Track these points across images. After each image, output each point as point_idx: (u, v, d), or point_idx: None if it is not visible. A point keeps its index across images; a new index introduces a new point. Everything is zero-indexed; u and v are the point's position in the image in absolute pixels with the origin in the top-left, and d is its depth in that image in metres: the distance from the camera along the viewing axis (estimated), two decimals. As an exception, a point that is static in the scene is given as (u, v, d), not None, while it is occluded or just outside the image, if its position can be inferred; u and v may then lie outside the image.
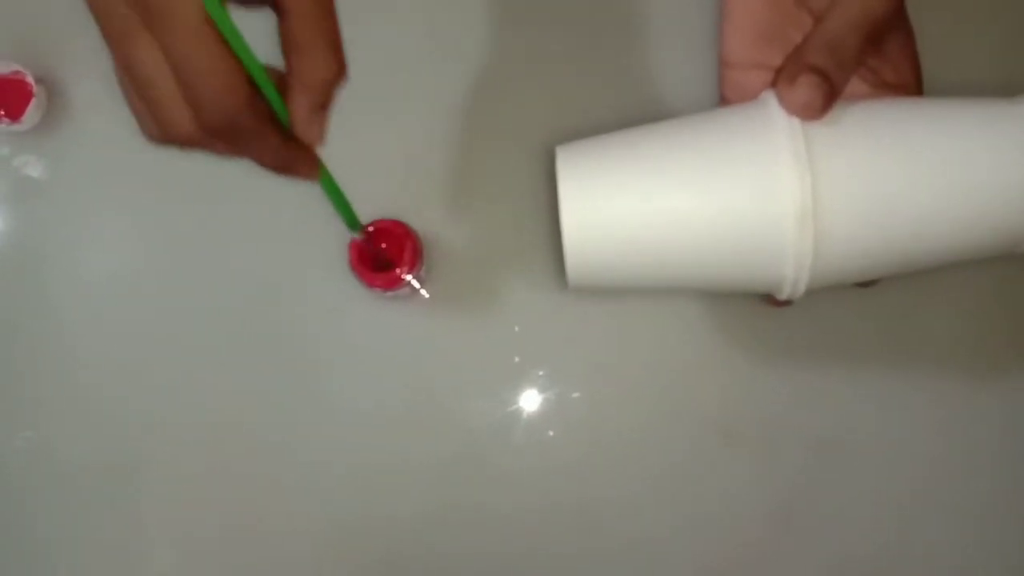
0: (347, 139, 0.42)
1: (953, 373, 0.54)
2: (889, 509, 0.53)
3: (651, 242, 0.43)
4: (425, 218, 0.53)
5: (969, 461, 0.54)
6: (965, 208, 0.42)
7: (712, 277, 0.45)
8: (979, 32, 0.55)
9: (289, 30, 0.36)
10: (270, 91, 0.36)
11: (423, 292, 0.54)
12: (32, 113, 0.54)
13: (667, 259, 0.44)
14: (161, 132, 0.36)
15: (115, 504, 0.54)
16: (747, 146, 0.42)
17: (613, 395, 0.54)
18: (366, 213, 0.45)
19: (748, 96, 0.45)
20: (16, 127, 0.54)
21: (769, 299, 0.49)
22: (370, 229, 0.50)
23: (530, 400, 0.53)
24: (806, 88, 0.42)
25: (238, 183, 0.52)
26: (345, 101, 0.38)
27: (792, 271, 0.42)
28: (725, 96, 0.49)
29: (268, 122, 0.36)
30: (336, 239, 0.52)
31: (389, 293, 0.51)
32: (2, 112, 0.54)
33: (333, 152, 0.39)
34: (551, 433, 0.53)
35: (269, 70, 0.35)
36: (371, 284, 0.50)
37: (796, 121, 0.42)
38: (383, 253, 0.50)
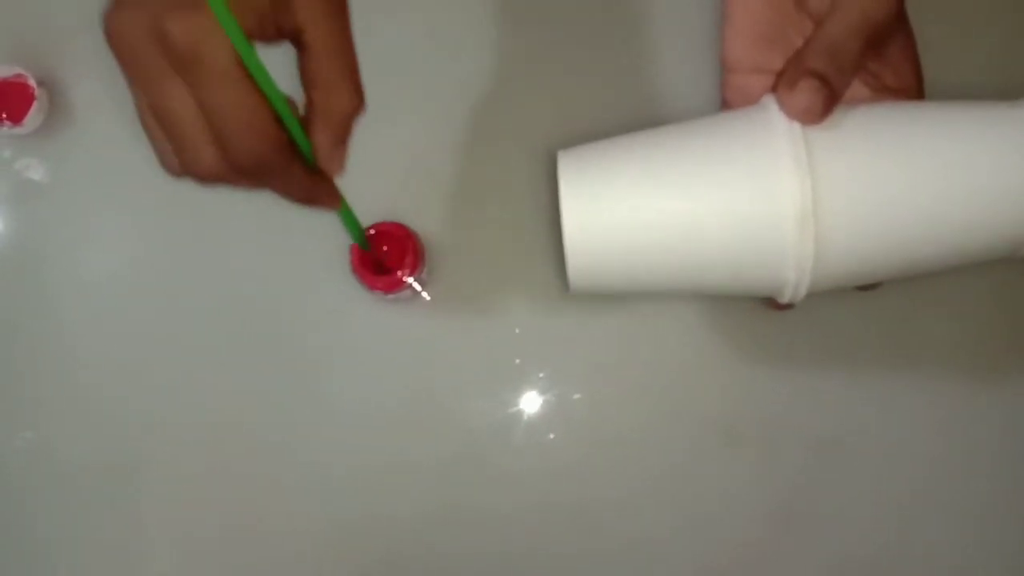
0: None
1: (953, 374, 0.54)
2: (889, 509, 0.54)
3: (652, 246, 0.43)
4: (426, 220, 0.53)
5: (969, 461, 0.54)
6: (966, 212, 0.42)
7: (713, 281, 0.45)
8: (979, 35, 0.56)
9: (311, 66, 0.37)
10: (295, 127, 0.37)
11: (424, 294, 0.54)
12: (34, 116, 0.54)
13: (668, 263, 0.44)
14: (186, 169, 0.37)
15: (115, 504, 0.54)
16: (748, 150, 0.42)
17: (614, 396, 0.54)
18: (367, 215, 0.46)
19: (749, 99, 0.45)
20: (18, 130, 0.54)
21: (770, 302, 0.49)
22: (371, 231, 0.50)
23: (531, 401, 0.54)
24: (806, 93, 0.42)
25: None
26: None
27: (793, 275, 0.42)
28: (726, 99, 0.50)
29: (294, 158, 0.37)
30: (337, 241, 0.52)
31: (390, 295, 0.51)
32: (4, 115, 0.54)
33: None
34: (551, 435, 0.53)
35: (287, 102, 0.36)
36: (372, 286, 0.50)
37: (796, 125, 0.42)
38: (384, 255, 0.51)
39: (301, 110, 0.38)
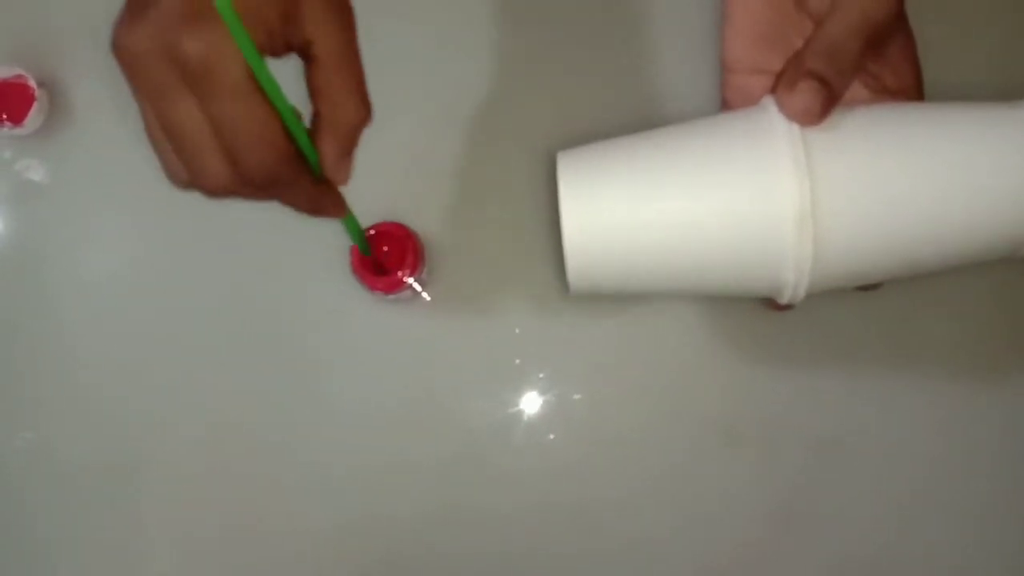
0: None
1: (953, 375, 0.54)
2: (889, 509, 0.54)
3: (651, 247, 0.43)
4: (426, 220, 0.53)
5: (969, 461, 0.54)
6: (965, 212, 0.43)
7: (713, 282, 0.45)
8: (979, 35, 0.56)
9: (319, 78, 0.37)
10: (303, 139, 0.37)
11: (424, 294, 0.54)
12: (34, 117, 0.54)
13: (667, 264, 0.44)
14: (195, 182, 0.37)
15: (115, 504, 0.54)
16: (747, 152, 0.43)
17: (614, 396, 0.54)
18: (368, 216, 0.46)
19: (749, 100, 0.46)
20: (18, 131, 0.54)
21: (770, 303, 0.49)
22: (371, 232, 0.51)
23: (531, 402, 0.54)
24: (805, 94, 0.42)
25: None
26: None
27: (792, 276, 0.42)
28: (726, 100, 0.50)
29: (302, 170, 0.38)
30: (337, 241, 0.52)
31: (390, 295, 0.52)
32: (4, 116, 0.54)
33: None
34: (551, 435, 0.54)
35: (295, 113, 0.37)
36: (372, 287, 0.50)
37: (796, 126, 0.42)
38: (384, 256, 0.51)
39: (306, 121, 0.38)
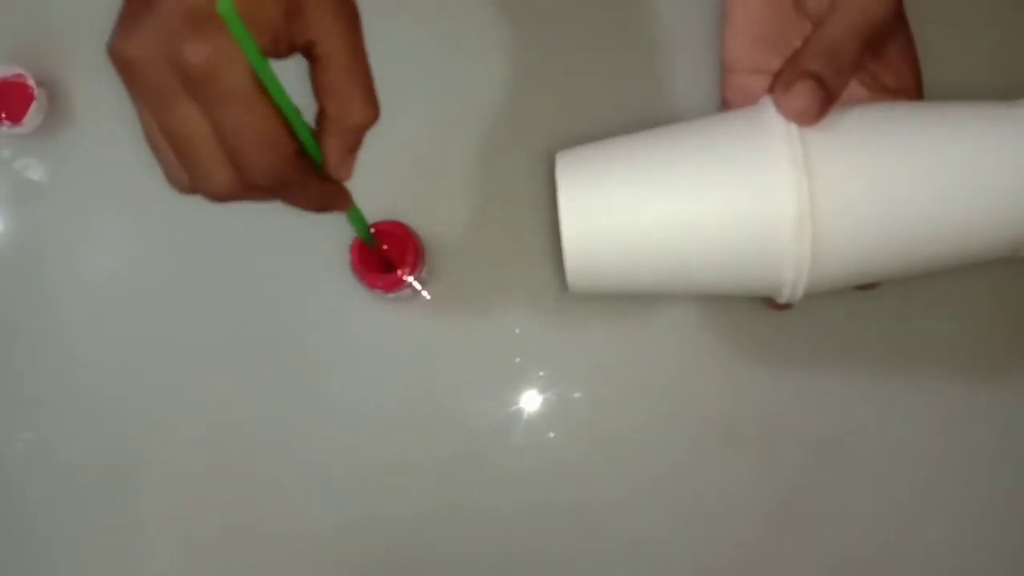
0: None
1: (953, 374, 0.54)
2: (889, 509, 0.54)
3: (650, 247, 0.43)
4: (426, 220, 0.53)
5: (969, 461, 0.54)
6: (964, 211, 0.43)
7: (711, 281, 0.45)
8: (979, 35, 0.56)
9: (325, 77, 0.37)
10: (307, 138, 0.37)
11: (424, 293, 0.54)
12: (33, 116, 0.54)
13: (666, 264, 0.44)
14: (198, 188, 0.37)
15: (115, 504, 0.54)
16: (745, 151, 0.43)
17: (614, 396, 0.54)
18: (368, 214, 0.46)
19: (749, 100, 0.46)
20: (17, 130, 0.54)
21: (769, 302, 0.49)
22: (372, 231, 0.50)
23: (531, 400, 0.54)
24: (802, 94, 0.42)
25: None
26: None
27: (791, 275, 0.43)
28: (726, 99, 0.50)
29: (308, 172, 0.38)
30: (337, 240, 0.52)
31: (390, 294, 0.52)
32: (3, 115, 0.54)
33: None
34: (551, 433, 0.54)
35: (298, 113, 0.36)
36: (372, 285, 0.50)
37: (794, 126, 0.42)
38: (384, 254, 0.51)
39: (308, 119, 0.38)
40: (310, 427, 0.54)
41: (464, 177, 0.55)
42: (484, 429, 0.54)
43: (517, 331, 0.54)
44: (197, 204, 0.50)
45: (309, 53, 0.37)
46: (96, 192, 0.56)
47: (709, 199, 0.43)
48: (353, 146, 0.39)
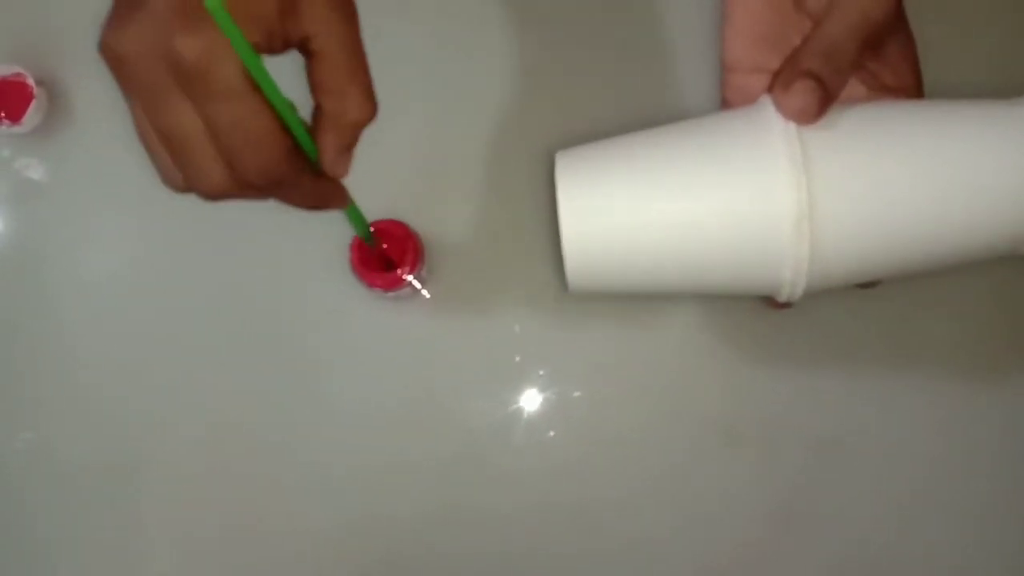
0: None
1: (953, 374, 0.54)
2: (889, 509, 0.54)
3: (649, 247, 0.43)
4: (426, 219, 0.53)
5: (969, 461, 0.54)
6: (963, 210, 0.43)
7: (711, 281, 0.45)
8: (979, 35, 0.56)
9: (321, 73, 0.36)
10: (302, 135, 0.36)
11: (424, 292, 0.54)
12: (33, 115, 0.54)
13: (666, 264, 0.44)
14: (192, 187, 0.36)
15: (115, 504, 0.54)
16: (744, 151, 0.43)
17: (614, 395, 0.54)
18: (367, 213, 0.46)
19: (749, 99, 0.46)
20: (17, 129, 0.54)
21: (769, 301, 0.49)
22: (371, 230, 0.50)
23: (530, 399, 0.54)
24: (801, 94, 0.42)
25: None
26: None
27: (790, 274, 0.43)
28: (726, 99, 0.50)
29: (303, 169, 0.37)
30: (337, 239, 0.52)
31: (390, 293, 0.52)
32: (3, 114, 0.54)
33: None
34: (552, 433, 0.54)
35: (292, 108, 0.36)
36: (372, 284, 0.50)
37: (792, 125, 0.43)
38: (384, 253, 0.51)
39: (303, 115, 0.37)
40: (310, 427, 0.54)
41: (464, 176, 0.55)
42: (484, 428, 0.54)
43: (517, 330, 0.54)
44: (197, 203, 0.50)
45: (305, 48, 0.36)
46: (96, 191, 0.56)
47: (708, 199, 0.43)
48: (350, 143, 0.38)
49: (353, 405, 0.54)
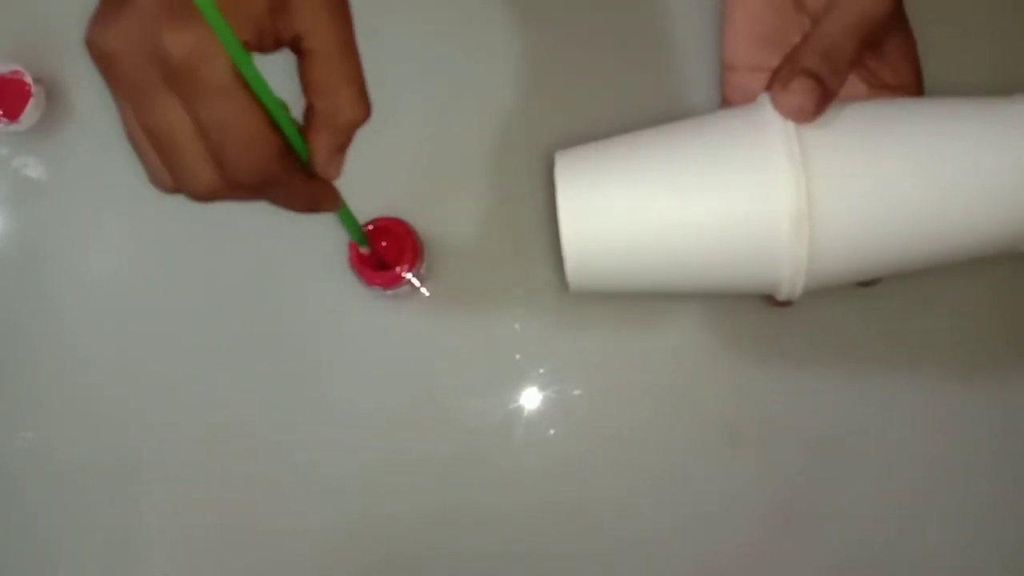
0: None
1: (953, 374, 0.54)
2: (889, 509, 0.54)
3: (649, 247, 0.43)
4: (426, 217, 0.53)
5: (969, 461, 0.54)
6: (963, 207, 0.43)
7: (710, 280, 0.45)
8: (979, 35, 0.56)
9: (313, 73, 0.36)
10: (294, 135, 0.36)
11: (423, 290, 0.54)
12: (30, 113, 0.54)
13: (665, 263, 0.44)
14: (181, 187, 0.36)
15: (115, 504, 0.54)
16: (743, 150, 0.43)
17: (614, 394, 0.54)
18: (366, 212, 0.46)
19: (749, 98, 0.46)
20: (14, 127, 0.54)
21: (769, 299, 0.49)
22: (370, 228, 0.51)
23: (531, 398, 0.54)
24: (799, 92, 0.42)
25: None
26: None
27: (789, 273, 0.43)
28: (727, 98, 0.50)
29: (294, 170, 0.36)
30: (336, 238, 0.52)
31: (389, 291, 0.52)
32: (1, 112, 0.54)
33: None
34: (552, 431, 0.54)
35: (284, 107, 0.35)
36: (371, 282, 0.51)
37: (791, 124, 0.42)
38: (383, 251, 0.51)
39: (295, 115, 0.37)
40: (309, 426, 0.54)
41: (464, 175, 0.55)
42: (484, 427, 0.54)
43: (517, 328, 0.54)
44: (196, 204, 0.49)
45: (297, 47, 0.36)
46: (95, 190, 0.56)
47: (707, 198, 0.43)
48: (343, 144, 0.37)
49: (352, 404, 0.54)
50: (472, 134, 0.55)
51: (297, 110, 0.37)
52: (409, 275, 0.51)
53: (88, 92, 0.55)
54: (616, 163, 0.44)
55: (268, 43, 0.35)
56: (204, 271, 0.55)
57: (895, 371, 0.54)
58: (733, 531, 0.53)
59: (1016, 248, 0.44)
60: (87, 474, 0.54)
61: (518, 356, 0.54)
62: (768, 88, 0.44)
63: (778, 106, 0.42)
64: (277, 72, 0.35)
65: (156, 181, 0.36)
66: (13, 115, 0.54)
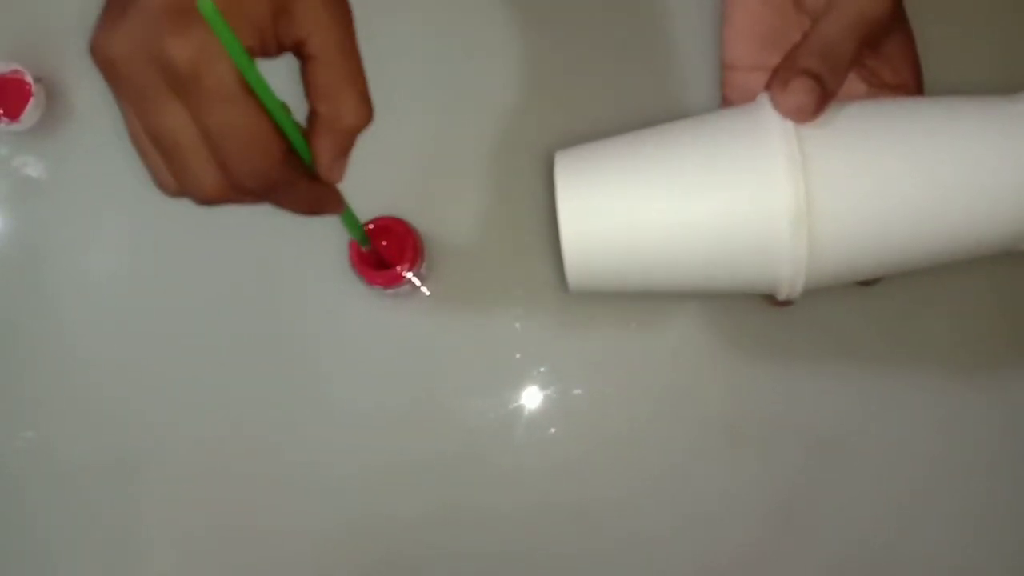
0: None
1: (953, 373, 0.54)
2: (889, 509, 0.54)
3: (648, 246, 0.43)
4: (426, 216, 0.53)
5: (969, 461, 0.54)
6: (963, 206, 0.43)
7: (709, 279, 0.45)
8: (979, 35, 0.56)
9: (316, 78, 0.36)
10: (297, 139, 0.36)
11: (423, 289, 0.54)
12: (31, 113, 0.54)
13: (665, 263, 0.44)
14: (186, 191, 0.36)
15: (115, 504, 0.54)
16: (742, 149, 0.43)
17: (614, 393, 0.54)
18: (367, 211, 0.46)
19: (750, 97, 0.46)
20: (15, 127, 0.54)
21: (769, 299, 0.49)
22: (371, 227, 0.51)
23: (531, 397, 0.54)
24: (798, 92, 0.42)
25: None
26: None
27: (788, 273, 0.43)
28: (726, 97, 0.50)
29: (298, 174, 0.37)
30: (336, 237, 0.52)
31: (389, 291, 0.52)
32: (1, 112, 0.54)
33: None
34: (552, 430, 0.54)
35: (286, 109, 0.36)
36: (371, 282, 0.51)
37: (790, 124, 0.43)
38: (383, 251, 0.51)
39: (298, 118, 0.37)
40: (309, 426, 0.54)
41: (464, 174, 0.55)
42: (484, 426, 0.54)
43: (517, 327, 0.54)
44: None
45: (300, 52, 0.36)
46: (95, 189, 0.56)
47: (706, 197, 0.43)
48: (346, 148, 0.37)
49: (352, 404, 0.54)
50: (472, 134, 0.55)
51: (299, 113, 0.37)
52: (409, 274, 0.51)
53: (88, 92, 0.55)
54: (615, 163, 0.44)
55: (272, 48, 0.35)
56: (204, 271, 0.55)
57: (895, 371, 0.54)
58: (733, 531, 0.53)
59: (1016, 247, 0.44)
60: (87, 474, 0.54)
61: (518, 356, 0.54)
62: (767, 88, 0.44)
63: (777, 106, 0.42)
64: (280, 77, 0.35)
65: (160, 185, 0.37)
66: (13, 115, 0.54)
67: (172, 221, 0.54)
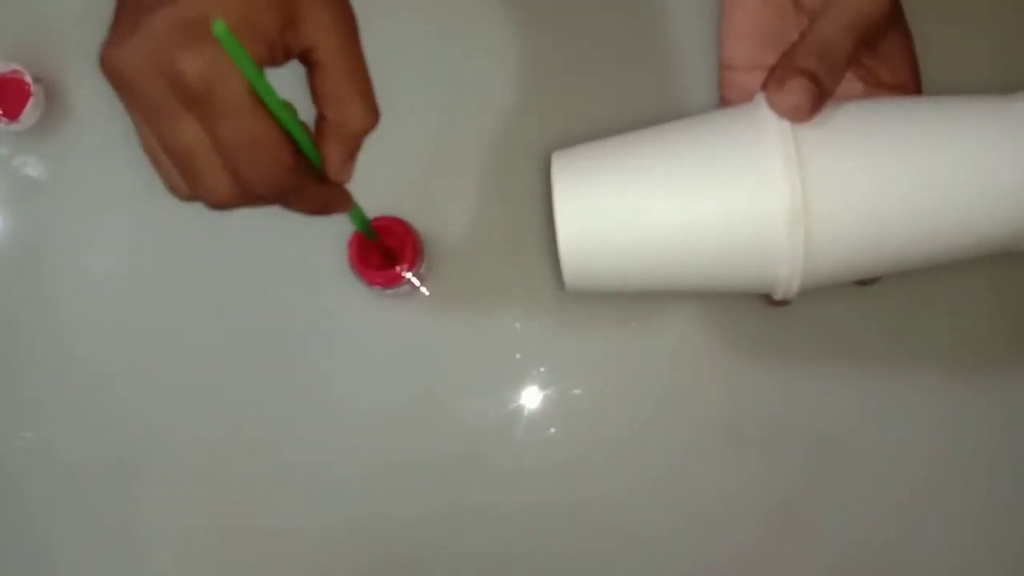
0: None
1: (953, 373, 0.54)
2: (889, 509, 0.54)
3: (645, 246, 0.44)
4: (426, 216, 0.53)
5: (969, 461, 0.54)
6: (962, 206, 0.43)
7: (706, 279, 0.45)
8: (979, 35, 0.56)
9: (323, 84, 0.37)
10: (306, 143, 0.37)
11: (423, 289, 0.55)
12: (30, 112, 0.54)
13: (662, 263, 0.44)
14: (198, 197, 0.37)
15: (115, 504, 0.54)
16: (738, 149, 0.43)
17: (614, 393, 0.54)
18: (367, 211, 0.45)
19: (748, 97, 0.46)
20: (14, 127, 0.54)
21: (767, 299, 0.48)
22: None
23: (531, 397, 0.54)
24: (795, 92, 0.42)
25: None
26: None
27: (785, 272, 0.43)
28: (725, 97, 0.50)
29: (308, 178, 0.37)
30: (336, 237, 0.52)
31: (389, 291, 0.52)
32: (0, 111, 0.54)
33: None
34: (552, 430, 0.54)
35: (288, 106, 0.36)
36: (371, 282, 0.51)
37: (787, 124, 0.43)
38: (385, 249, 0.51)
39: (305, 121, 0.38)
40: (309, 426, 0.54)
41: (464, 175, 0.55)
42: (485, 426, 0.54)
43: (517, 327, 0.54)
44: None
45: (307, 60, 0.37)
46: (95, 189, 0.56)
47: (702, 197, 0.43)
48: (353, 151, 0.39)
49: (352, 404, 0.54)
50: (472, 134, 0.55)
51: (306, 116, 0.38)
52: (409, 275, 0.51)
53: (88, 92, 0.56)
54: (613, 162, 0.44)
55: (280, 57, 0.36)
56: (204, 271, 0.55)
57: (895, 371, 0.54)
58: (733, 531, 0.54)
59: (1016, 246, 0.44)
60: (87, 474, 0.54)
61: (518, 356, 0.54)
62: (764, 87, 0.44)
63: (774, 105, 0.43)
64: (286, 82, 0.36)
65: (173, 191, 0.37)
66: (13, 115, 0.54)
67: (172, 221, 0.54)
